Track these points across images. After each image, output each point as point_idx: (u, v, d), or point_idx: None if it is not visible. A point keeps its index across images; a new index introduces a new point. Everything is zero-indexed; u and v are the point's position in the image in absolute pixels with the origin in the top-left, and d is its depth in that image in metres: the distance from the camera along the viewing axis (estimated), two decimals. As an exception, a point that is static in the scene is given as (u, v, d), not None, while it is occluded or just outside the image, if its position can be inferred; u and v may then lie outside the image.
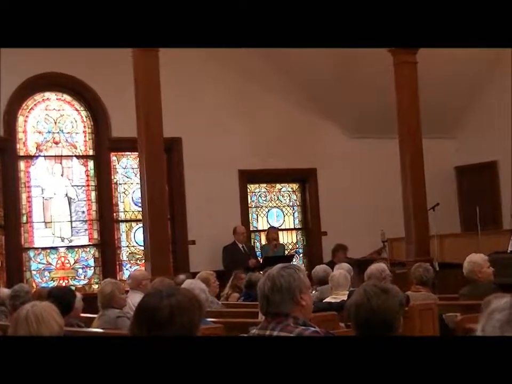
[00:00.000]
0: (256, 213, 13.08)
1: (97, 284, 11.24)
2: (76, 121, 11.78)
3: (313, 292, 7.31)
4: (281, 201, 13.33)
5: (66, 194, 11.59)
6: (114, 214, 11.86)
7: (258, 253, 12.44)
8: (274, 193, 13.30)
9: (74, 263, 11.53)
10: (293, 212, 13.41)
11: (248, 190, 12.98)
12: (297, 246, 13.40)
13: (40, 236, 11.32)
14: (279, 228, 13.02)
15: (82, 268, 11.58)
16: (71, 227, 11.56)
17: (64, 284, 11.12)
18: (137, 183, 10.88)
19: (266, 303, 3.42)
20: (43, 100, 11.61)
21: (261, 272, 10.51)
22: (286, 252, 12.74)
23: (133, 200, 12.00)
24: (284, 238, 13.14)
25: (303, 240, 13.44)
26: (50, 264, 11.34)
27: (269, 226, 12.91)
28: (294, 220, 13.41)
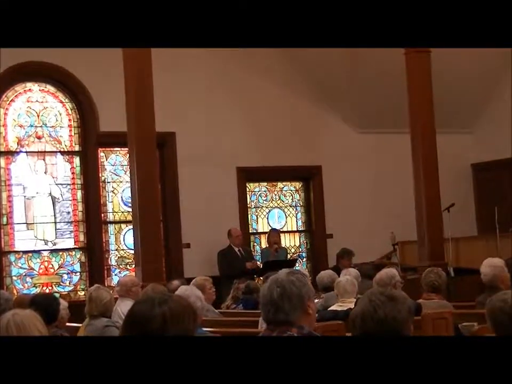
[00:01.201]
0: (256, 213, 13.10)
1: (83, 290, 11.27)
2: (60, 114, 11.79)
3: (317, 299, 7.36)
4: (283, 201, 13.35)
5: (50, 193, 11.61)
6: (102, 215, 11.87)
7: (257, 257, 12.45)
8: (275, 192, 13.32)
9: (58, 268, 11.55)
10: (296, 212, 13.43)
11: (248, 189, 12.99)
12: (300, 249, 13.41)
13: (21, 239, 11.32)
14: (281, 230, 13.03)
15: (67, 273, 11.60)
16: (55, 229, 11.57)
17: (47, 291, 11.15)
18: (127, 182, 10.89)
19: (275, 310, 3.42)
20: (24, 91, 11.61)
21: (261, 278, 10.57)
22: (288, 256, 12.75)
23: (122, 199, 12.03)
24: (286, 241, 13.15)
25: (306, 243, 13.46)
26: (32, 269, 11.36)
27: (269, 228, 12.92)
28: (297, 222, 13.43)
